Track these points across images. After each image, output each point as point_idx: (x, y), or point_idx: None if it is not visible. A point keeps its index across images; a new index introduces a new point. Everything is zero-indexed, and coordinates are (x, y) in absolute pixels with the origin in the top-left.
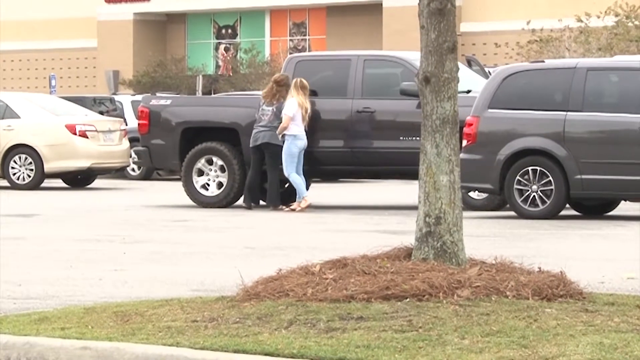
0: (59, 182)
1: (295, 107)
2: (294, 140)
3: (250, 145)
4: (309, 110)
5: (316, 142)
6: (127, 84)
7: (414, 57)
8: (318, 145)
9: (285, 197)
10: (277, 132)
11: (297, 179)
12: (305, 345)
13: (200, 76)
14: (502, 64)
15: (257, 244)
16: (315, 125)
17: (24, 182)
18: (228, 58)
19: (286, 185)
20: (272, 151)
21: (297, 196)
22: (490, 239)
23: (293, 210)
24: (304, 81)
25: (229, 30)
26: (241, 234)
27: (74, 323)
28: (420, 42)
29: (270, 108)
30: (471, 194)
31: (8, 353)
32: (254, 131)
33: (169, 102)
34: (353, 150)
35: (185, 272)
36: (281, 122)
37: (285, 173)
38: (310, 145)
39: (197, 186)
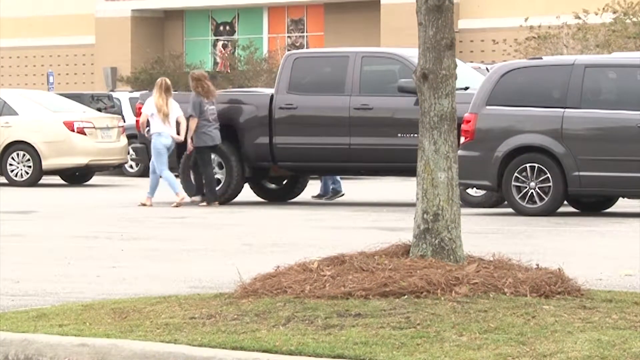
0: (57, 179)
1: (152, 106)
2: (158, 137)
3: (210, 144)
4: (169, 115)
5: (314, 138)
6: (125, 81)
7: (412, 53)
8: (316, 142)
9: (282, 193)
10: (139, 127)
11: (169, 176)
12: (303, 342)
13: None
14: (499, 61)
15: (255, 240)
16: (312, 121)
17: (22, 179)
18: (226, 55)
19: (284, 182)
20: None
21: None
22: (488, 235)
23: (178, 205)
24: (168, 82)
25: (227, 27)
26: (239, 230)
27: (71, 320)
28: (418, 38)
29: (214, 107)
30: (469, 190)
31: (6, 350)
32: (212, 128)
33: None
34: (351, 147)
35: (183, 269)
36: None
37: (157, 171)
38: (308, 142)
39: None
